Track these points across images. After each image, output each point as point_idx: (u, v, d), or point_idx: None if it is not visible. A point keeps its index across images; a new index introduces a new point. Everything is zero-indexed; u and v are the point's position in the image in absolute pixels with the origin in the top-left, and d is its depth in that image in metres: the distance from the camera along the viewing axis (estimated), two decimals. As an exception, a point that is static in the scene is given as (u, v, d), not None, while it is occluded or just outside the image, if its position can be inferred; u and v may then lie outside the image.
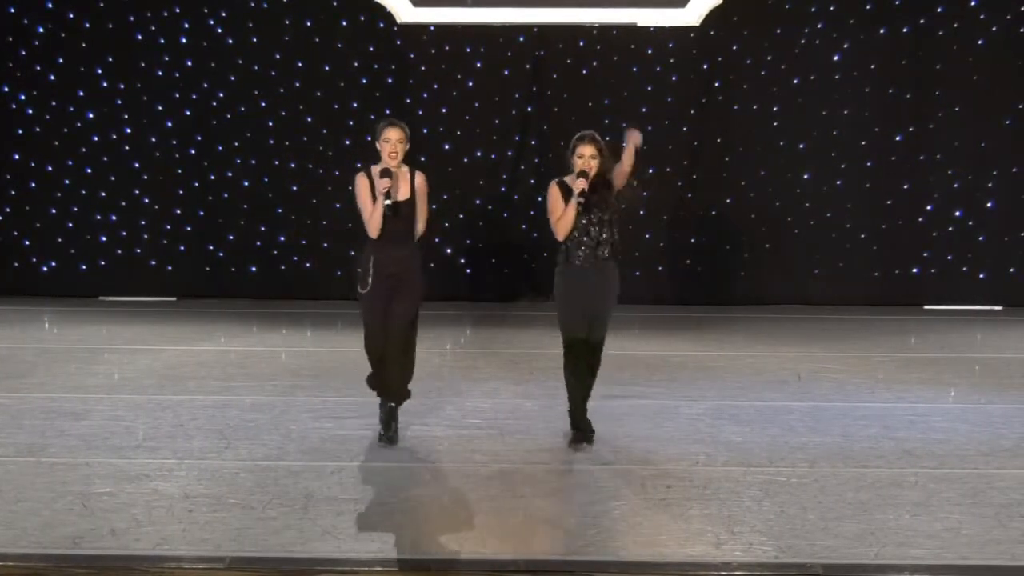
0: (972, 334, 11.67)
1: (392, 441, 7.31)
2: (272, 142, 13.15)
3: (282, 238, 13.30)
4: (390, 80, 13.12)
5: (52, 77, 13.13)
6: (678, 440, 7.43)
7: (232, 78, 13.09)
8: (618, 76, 12.99)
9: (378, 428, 7.42)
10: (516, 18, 12.90)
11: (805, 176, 13.06)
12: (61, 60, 13.13)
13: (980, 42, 12.79)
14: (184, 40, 13.04)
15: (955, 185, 12.96)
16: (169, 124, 13.18)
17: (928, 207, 13.05)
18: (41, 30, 13.09)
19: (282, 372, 9.44)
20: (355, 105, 13.06)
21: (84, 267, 13.38)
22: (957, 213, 13.03)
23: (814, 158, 13.01)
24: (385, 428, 7.35)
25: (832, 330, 11.68)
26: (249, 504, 6.03)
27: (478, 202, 13.26)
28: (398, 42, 13.05)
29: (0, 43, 13.06)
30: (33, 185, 13.32)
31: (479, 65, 13.07)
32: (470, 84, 13.08)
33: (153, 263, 13.35)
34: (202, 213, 13.30)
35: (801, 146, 12.99)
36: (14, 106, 13.20)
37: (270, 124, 13.13)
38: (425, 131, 12.80)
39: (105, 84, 13.14)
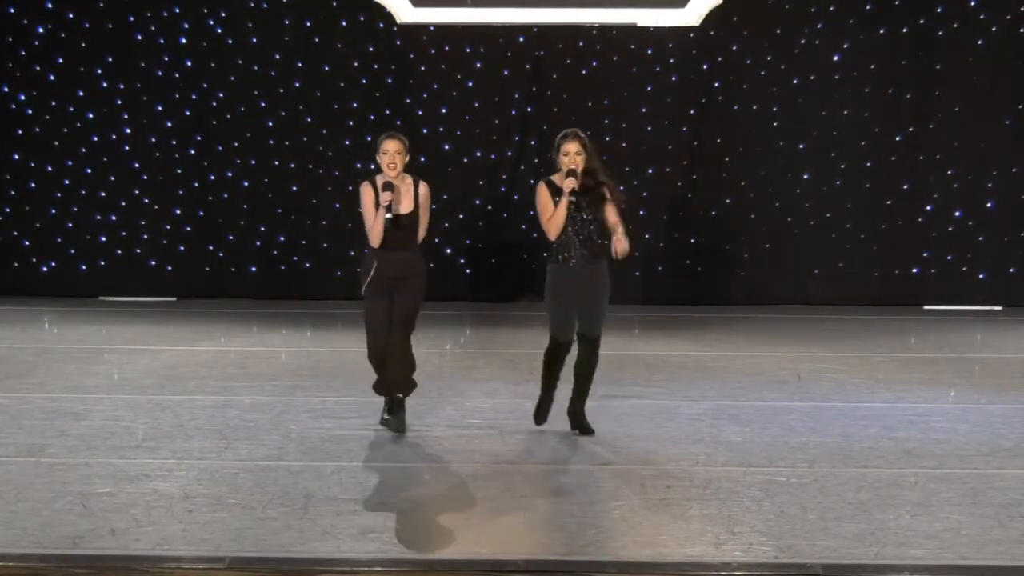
0: (972, 334, 11.67)
1: (400, 429, 7.43)
2: (272, 142, 13.15)
3: (282, 238, 13.29)
4: (390, 80, 13.12)
5: (52, 77, 13.12)
6: (678, 440, 7.43)
7: (232, 78, 13.09)
8: (618, 76, 12.99)
9: (381, 413, 7.58)
10: (516, 18, 12.90)
11: (805, 176, 13.05)
12: (61, 60, 13.13)
13: (980, 42, 12.79)
14: (184, 40, 13.04)
15: (955, 185, 12.96)
16: (169, 124, 13.18)
17: (928, 207, 13.05)
18: (41, 30, 13.09)
19: (282, 372, 9.44)
20: (355, 105, 13.06)
21: (84, 267, 13.37)
22: (957, 213, 13.03)
23: (814, 158, 13.01)
24: (393, 416, 7.50)
25: (832, 330, 11.68)
26: (249, 504, 6.03)
27: (478, 202, 13.26)
28: (398, 42, 13.05)
29: (0, 43, 13.06)
30: (33, 185, 13.31)
31: (479, 65, 13.07)
32: (470, 84, 13.08)
33: (153, 263, 13.34)
34: (202, 213, 13.30)
35: (801, 146, 12.99)
36: (14, 106, 13.20)
37: (270, 124, 13.13)
38: (425, 131, 12.80)
39: (105, 84, 13.13)
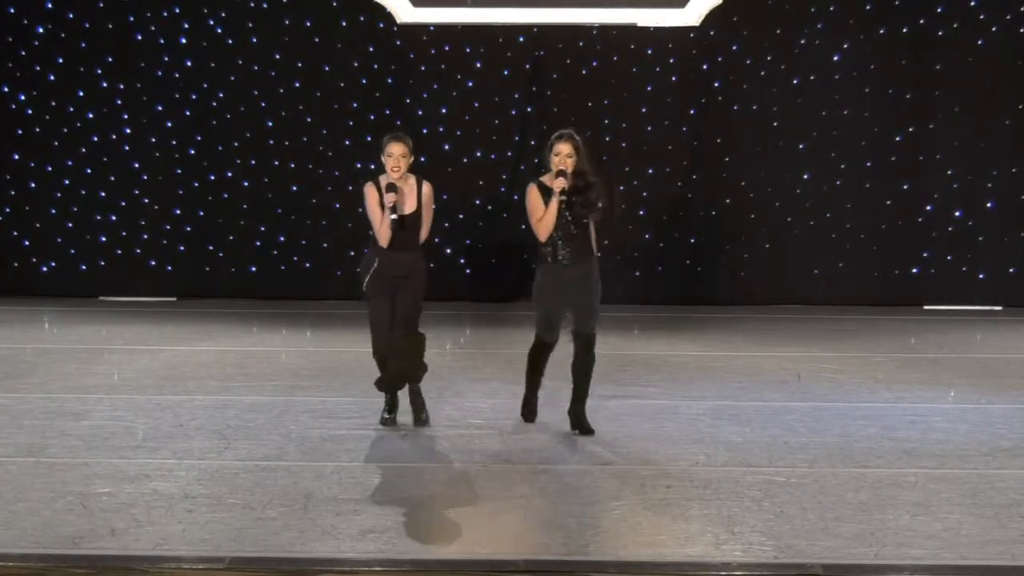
0: (972, 334, 11.67)
1: (423, 420, 7.65)
2: (272, 142, 13.15)
3: (282, 238, 13.29)
4: (390, 80, 13.12)
5: (52, 77, 13.13)
6: (678, 440, 7.43)
7: (232, 78, 13.09)
8: (618, 76, 12.99)
9: (382, 413, 7.68)
10: (516, 18, 12.91)
11: (805, 176, 13.06)
12: (61, 60, 13.13)
13: (980, 42, 12.79)
14: (184, 40, 13.04)
15: (955, 185, 12.97)
16: (169, 124, 13.18)
17: (928, 207, 13.05)
18: (41, 30, 13.10)
19: (282, 372, 9.44)
20: (355, 105, 13.07)
21: (84, 267, 13.38)
22: (957, 213, 13.03)
23: (814, 158, 13.01)
24: (413, 413, 7.68)
25: (832, 330, 11.68)
26: (249, 504, 6.03)
27: (478, 202, 13.25)
28: (398, 42, 13.06)
29: (0, 43, 13.06)
30: (33, 185, 13.32)
31: (479, 65, 13.07)
32: (470, 84, 13.08)
33: (153, 263, 13.34)
34: (202, 213, 13.30)
35: (801, 146, 12.99)
36: (14, 106, 13.21)
37: (270, 124, 13.13)
38: (425, 131, 12.80)
39: (105, 84, 13.14)
